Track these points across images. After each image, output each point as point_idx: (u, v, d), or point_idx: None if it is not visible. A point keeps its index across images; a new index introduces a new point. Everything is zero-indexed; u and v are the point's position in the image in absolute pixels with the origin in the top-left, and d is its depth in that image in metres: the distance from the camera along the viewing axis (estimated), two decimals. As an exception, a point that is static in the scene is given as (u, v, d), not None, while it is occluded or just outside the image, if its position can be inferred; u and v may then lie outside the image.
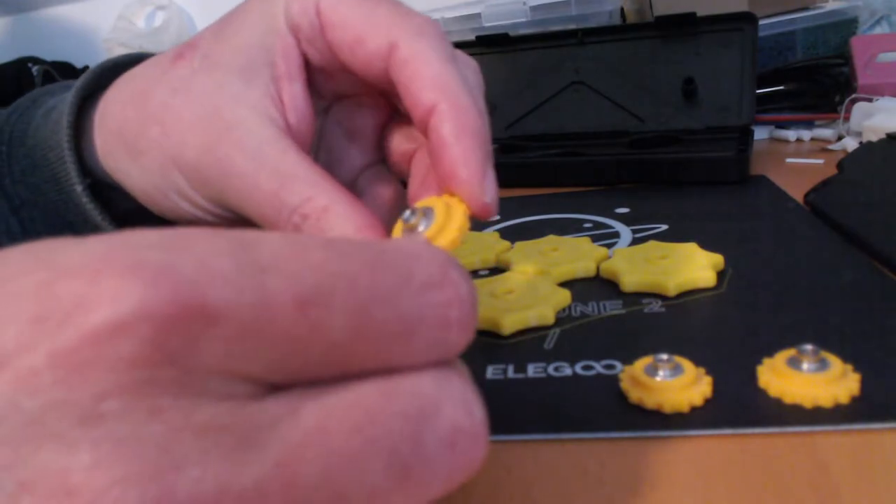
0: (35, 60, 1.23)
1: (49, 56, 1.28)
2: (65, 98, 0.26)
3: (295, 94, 0.23)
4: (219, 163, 0.22)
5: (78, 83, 0.26)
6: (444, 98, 0.20)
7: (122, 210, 0.27)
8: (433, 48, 0.21)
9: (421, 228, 0.19)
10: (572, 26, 0.72)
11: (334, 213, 0.21)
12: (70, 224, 0.27)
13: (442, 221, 0.18)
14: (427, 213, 0.19)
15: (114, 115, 0.24)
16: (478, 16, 0.78)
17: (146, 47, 1.25)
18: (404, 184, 0.25)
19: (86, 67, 1.33)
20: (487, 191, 0.20)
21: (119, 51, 1.28)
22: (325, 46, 0.23)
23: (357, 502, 0.12)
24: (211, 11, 1.31)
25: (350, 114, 0.26)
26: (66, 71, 1.28)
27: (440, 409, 0.13)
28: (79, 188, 0.25)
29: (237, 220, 0.23)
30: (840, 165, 0.43)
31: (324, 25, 0.22)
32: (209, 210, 0.24)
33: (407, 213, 0.19)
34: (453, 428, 0.13)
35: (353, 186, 0.26)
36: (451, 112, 0.20)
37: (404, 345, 0.13)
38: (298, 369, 0.12)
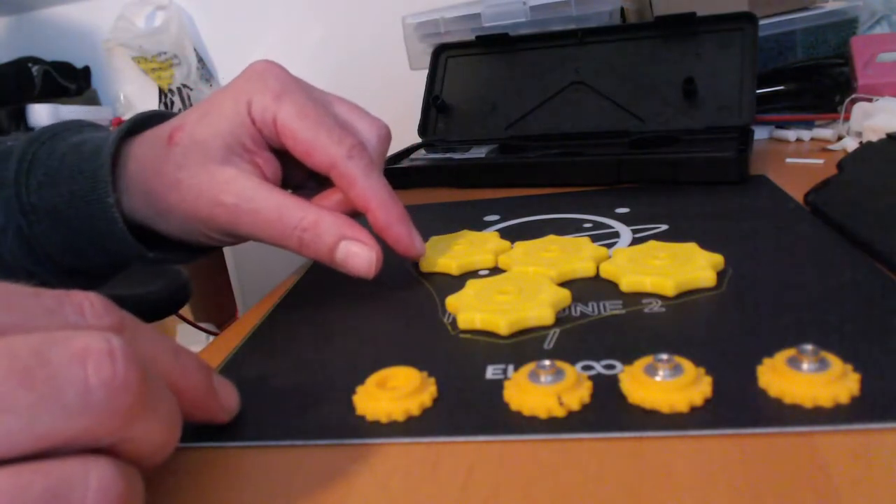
0: (35, 60, 1.23)
1: (49, 56, 1.28)
2: (96, 138, 0.35)
3: (266, 158, 0.34)
4: (227, 209, 0.32)
5: (119, 131, 0.35)
6: (372, 201, 0.32)
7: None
8: (359, 167, 0.32)
9: (548, 380, 0.22)
10: (572, 26, 0.72)
11: (324, 222, 0.32)
12: (73, 228, 0.35)
13: (572, 382, 0.22)
14: (559, 372, 0.22)
15: (139, 182, 0.34)
16: (478, 16, 0.78)
17: (146, 47, 1.25)
18: None
19: (86, 67, 1.33)
20: (416, 242, 0.34)
21: (119, 51, 1.28)
22: (279, 143, 0.33)
23: None
24: (211, 11, 1.31)
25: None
26: (65, 71, 1.28)
27: (75, 335, 0.16)
28: (111, 200, 0.33)
29: (246, 242, 0.35)
30: (840, 165, 0.43)
31: (279, 133, 0.32)
32: (223, 240, 0.35)
33: (546, 363, 0.22)
34: (84, 346, 0.15)
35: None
36: (379, 210, 0.32)
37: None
38: None
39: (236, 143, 0.32)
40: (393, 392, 0.23)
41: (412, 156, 0.63)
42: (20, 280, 0.33)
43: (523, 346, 0.26)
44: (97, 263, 0.37)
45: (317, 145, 0.32)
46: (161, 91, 1.28)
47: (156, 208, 0.34)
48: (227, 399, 0.23)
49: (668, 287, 0.29)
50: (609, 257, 0.34)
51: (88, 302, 0.18)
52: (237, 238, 0.34)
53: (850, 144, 0.55)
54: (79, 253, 0.36)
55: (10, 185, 0.35)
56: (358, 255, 0.32)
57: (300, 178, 0.37)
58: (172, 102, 1.26)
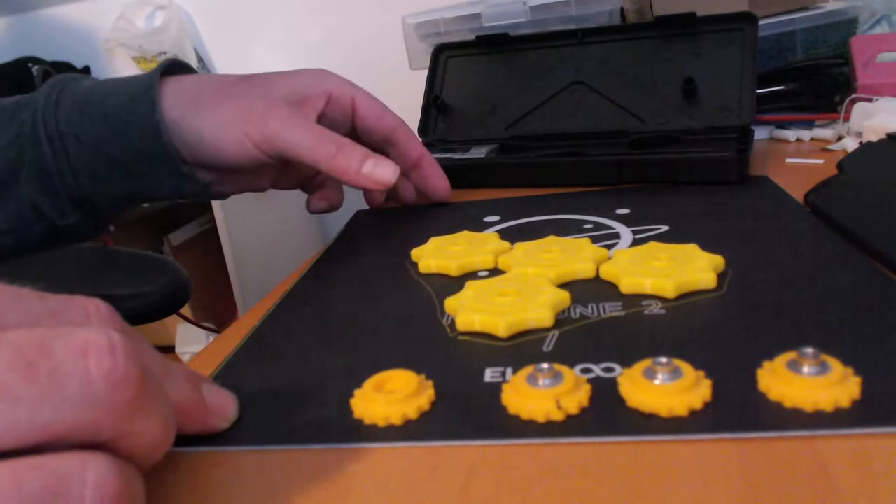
0: (35, 60, 1.23)
1: (49, 56, 1.28)
2: (116, 78, 0.42)
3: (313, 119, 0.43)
4: (279, 120, 0.40)
5: (160, 66, 0.41)
6: (424, 155, 0.50)
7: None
8: (412, 135, 0.49)
9: (546, 383, 0.22)
10: (572, 26, 0.71)
11: (355, 146, 0.41)
12: (104, 150, 0.40)
13: (570, 386, 0.22)
14: (557, 375, 0.22)
15: (188, 90, 0.40)
16: (478, 16, 0.78)
17: (146, 47, 1.25)
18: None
19: (86, 67, 1.33)
20: (448, 185, 0.51)
21: (119, 51, 1.27)
22: (349, 114, 0.46)
23: None
24: (211, 11, 1.31)
25: None
26: (65, 71, 1.28)
27: (77, 330, 0.16)
28: (158, 115, 0.39)
29: (277, 162, 0.43)
30: (840, 165, 0.43)
31: (355, 108, 0.46)
32: (254, 152, 0.40)
33: (545, 366, 0.22)
34: (86, 341, 0.16)
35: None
36: (432, 161, 0.50)
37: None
38: None
39: (298, 100, 0.42)
40: (390, 395, 0.23)
41: (412, 156, 0.63)
42: (25, 212, 0.41)
43: (522, 349, 0.26)
44: (115, 192, 0.42)
45: (386, 115, 0.47)
46: (161, 91, 1.28)
47: (202, 108, 0.39)
48: (222, 407, 0.23)
49: (669, 289, 0.29)
50: (609, 258, 0.34)
51: (94, 306, 0.19)
52: (271, 150, 0.40)
53: (850, 144, 0.55)
54: (101, 179, 0.40)
55: (39, 118, 0.39)
56: (384, 166, 0.41)
57: (299, 181, 0.48)
58: (172, 102, 1.26)
